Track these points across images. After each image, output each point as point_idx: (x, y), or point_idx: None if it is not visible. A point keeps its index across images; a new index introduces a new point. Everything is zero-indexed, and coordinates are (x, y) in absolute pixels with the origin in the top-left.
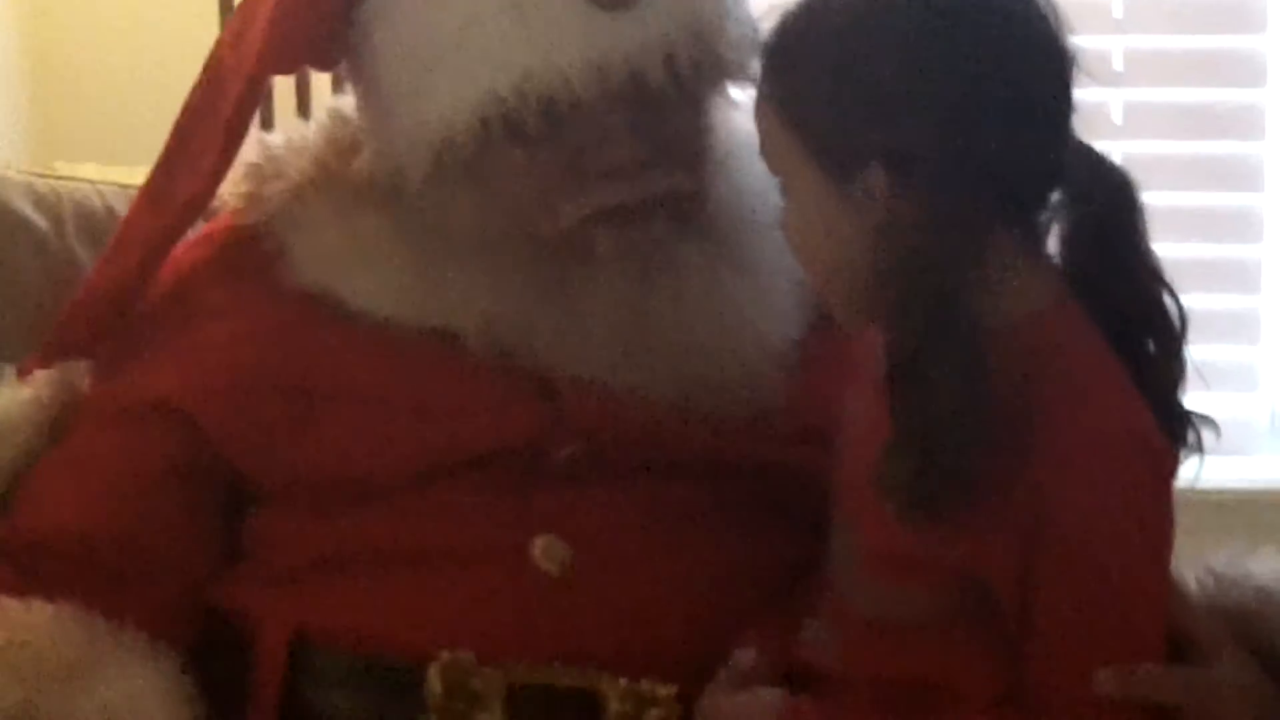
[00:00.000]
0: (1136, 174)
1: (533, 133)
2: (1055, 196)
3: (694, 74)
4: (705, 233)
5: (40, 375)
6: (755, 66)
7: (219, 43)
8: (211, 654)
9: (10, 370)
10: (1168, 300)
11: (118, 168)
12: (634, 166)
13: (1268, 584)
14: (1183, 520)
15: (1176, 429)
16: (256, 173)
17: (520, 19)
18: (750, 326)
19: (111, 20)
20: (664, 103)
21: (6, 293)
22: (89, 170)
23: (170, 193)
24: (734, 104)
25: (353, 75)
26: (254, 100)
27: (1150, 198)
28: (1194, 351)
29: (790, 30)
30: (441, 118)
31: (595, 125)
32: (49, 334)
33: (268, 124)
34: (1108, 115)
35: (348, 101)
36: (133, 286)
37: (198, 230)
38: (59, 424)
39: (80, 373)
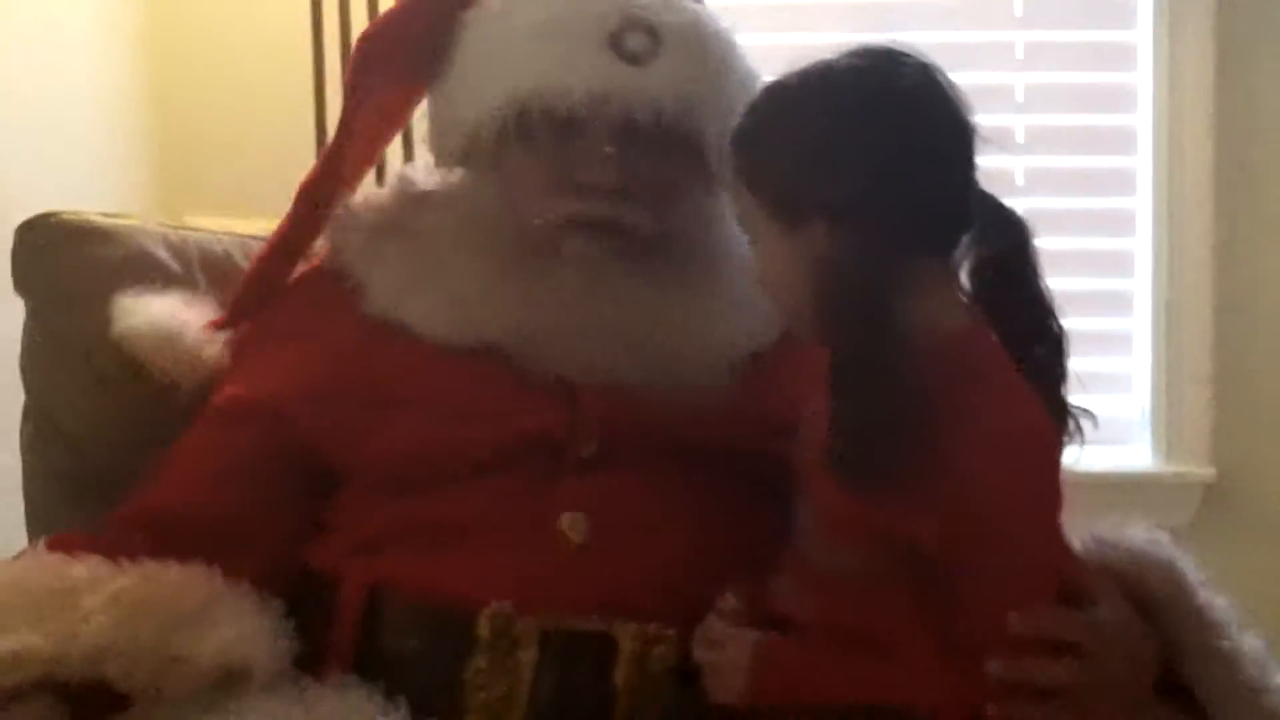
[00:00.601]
0: (1036, 224)
1: (539, 137)
2: (965, 238)
3: (676, 131)
4: (658, 267)
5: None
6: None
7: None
8: (303, 605)
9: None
10: (1053, 321)
11: (233, 219)
12: (611, 190)
13: (1139, 547)
14: (1074, 498)
15: (1062, 419)
16: (339, 224)
17: (550, 46)
18: (692, 341)
19: (228, 99)
20: (650, 149)
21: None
22: (210, 222)
23: (323, 192)
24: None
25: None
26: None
27: (1046, 242)
28: (1081, 363)
29: (749, 121)
30: (475, 111)
31: (591, 148)
32: (232, 299)
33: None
34: (1012, 178)
35: (412, 168)
36: (290, 256)
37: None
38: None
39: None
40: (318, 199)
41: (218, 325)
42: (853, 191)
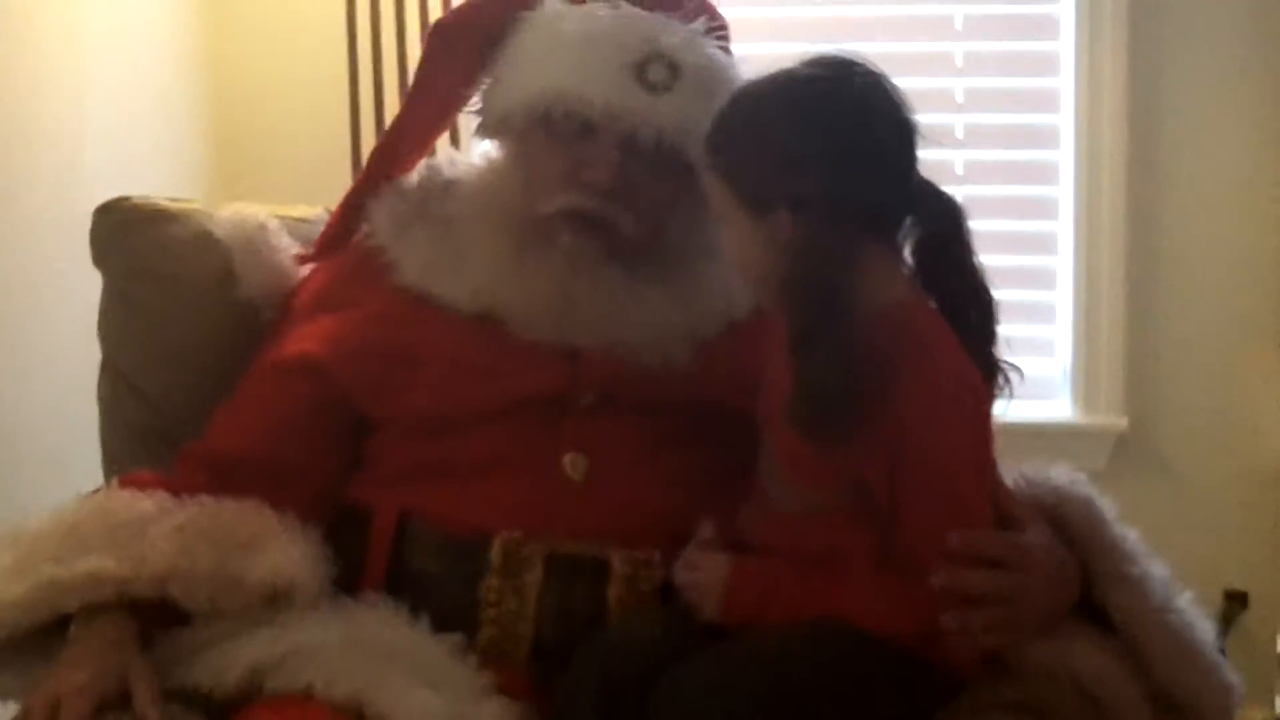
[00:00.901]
0: (973, 210)
1: (559, 130)
2: (908, 220)
3: (671, 163)
4: (638, 264)
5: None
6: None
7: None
8: (341, 534)
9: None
10: (984, 290)
11: (279, 205)
12: (605, 190)
13: (1061, 486)
14: (1005, 444)
15: (992, 375)
16: (376, 208)
17: (585, 59)
18: (666, 326)
19: (274, 100)
20: (646, 166)
21: (210, 303)
22: (264, 208)
23: (394, 156)
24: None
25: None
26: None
27: (982, 225)
28: (1011, 329)
29: (722, 120)
30: (513, 99)
31: (597, 152)
32: (317, 240)
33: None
34: (952, 169)
35: (438, 159)
36: (362, 209)
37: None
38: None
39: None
40: (385, 165)
41: (305, 259)
42: (812, 184)
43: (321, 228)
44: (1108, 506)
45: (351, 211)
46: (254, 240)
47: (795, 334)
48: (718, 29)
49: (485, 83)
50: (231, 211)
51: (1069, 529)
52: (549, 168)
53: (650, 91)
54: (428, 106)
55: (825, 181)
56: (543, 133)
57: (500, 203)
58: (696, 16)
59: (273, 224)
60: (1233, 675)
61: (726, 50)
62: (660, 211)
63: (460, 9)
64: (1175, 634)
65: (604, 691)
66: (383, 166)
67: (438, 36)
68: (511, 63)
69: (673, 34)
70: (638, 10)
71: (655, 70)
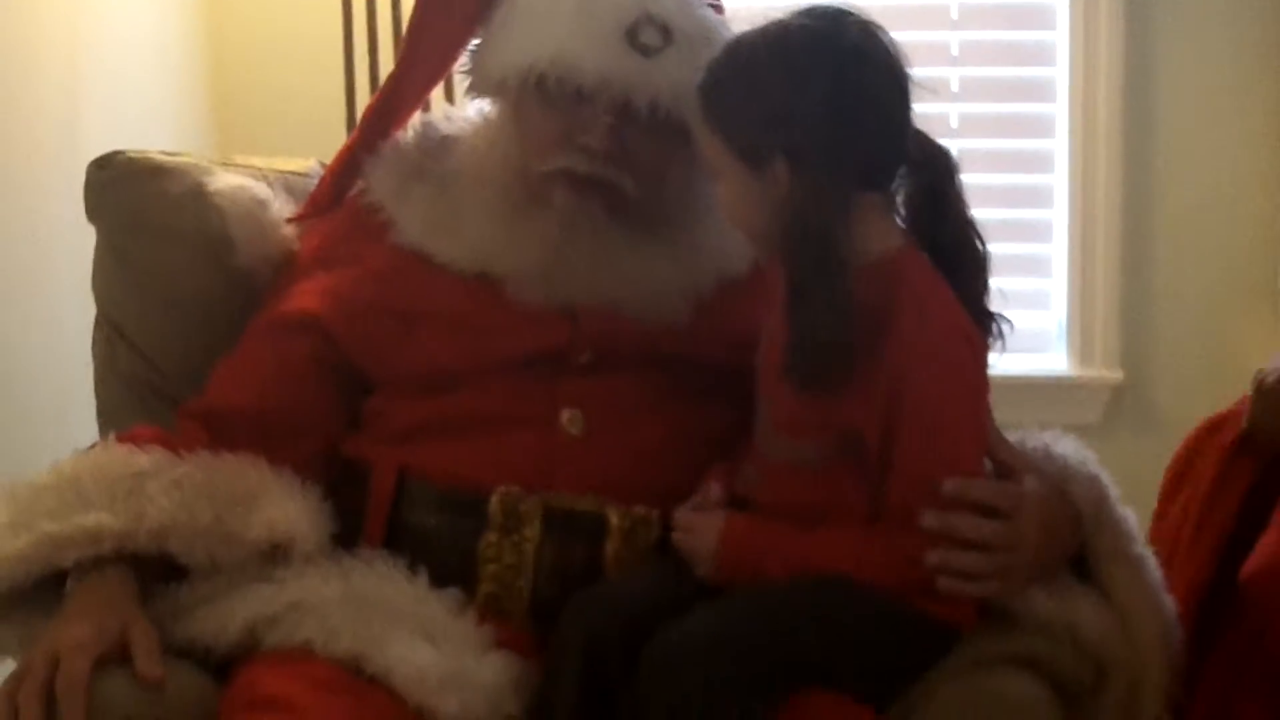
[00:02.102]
0: (968, 163)
1: (551, 97)
2: (901, 170)
3: (666, 126)
4: (637, 222)
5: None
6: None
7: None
8: (340, 490)
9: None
10: (977, 240)
11: (276, 158)
12: (601, 153)
13: (1069, 461)
14: (999, 398)
15: (985, 325)
16: (373, 165)
17: (577, 25)
18: (663, 285)
19: (270, 54)
20: (641, 129)
21: (204, 256)
22: (257, 161)
23: (388, 115)
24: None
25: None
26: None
27: (976, 178)
28: (1006, 282)
29: (716, 72)
30: (507, 63)
31: (591, 116)
32: (307, 200)
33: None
34: (947, 121)
35: (433, 115)
36: (356, 168)
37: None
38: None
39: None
40: (380, 121)
41: (296, 219)
42: (809, 135)
43: (315, 182)
44: (1112, 485)
45: (346, 169)
46: (253, 213)
47: (793, 285)
48: None
49: (477, 40)
50: (230, 182)
51: (1075, 504)
52: (543, 131)
53: (643, 55)
54: (422, 62)
55: (822, 132)
56: (537, 97)
57: (495, 161)
58: None
59: (269, 195)
60: (1177, 689)
61: (718, 9)
62: (658, 173)
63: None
64: (1164, 626)
65: (589, 648)
66: (377, 123)
67: (417, 30)
68: (505, 23)
69: None
70: None
71: (647, 33)
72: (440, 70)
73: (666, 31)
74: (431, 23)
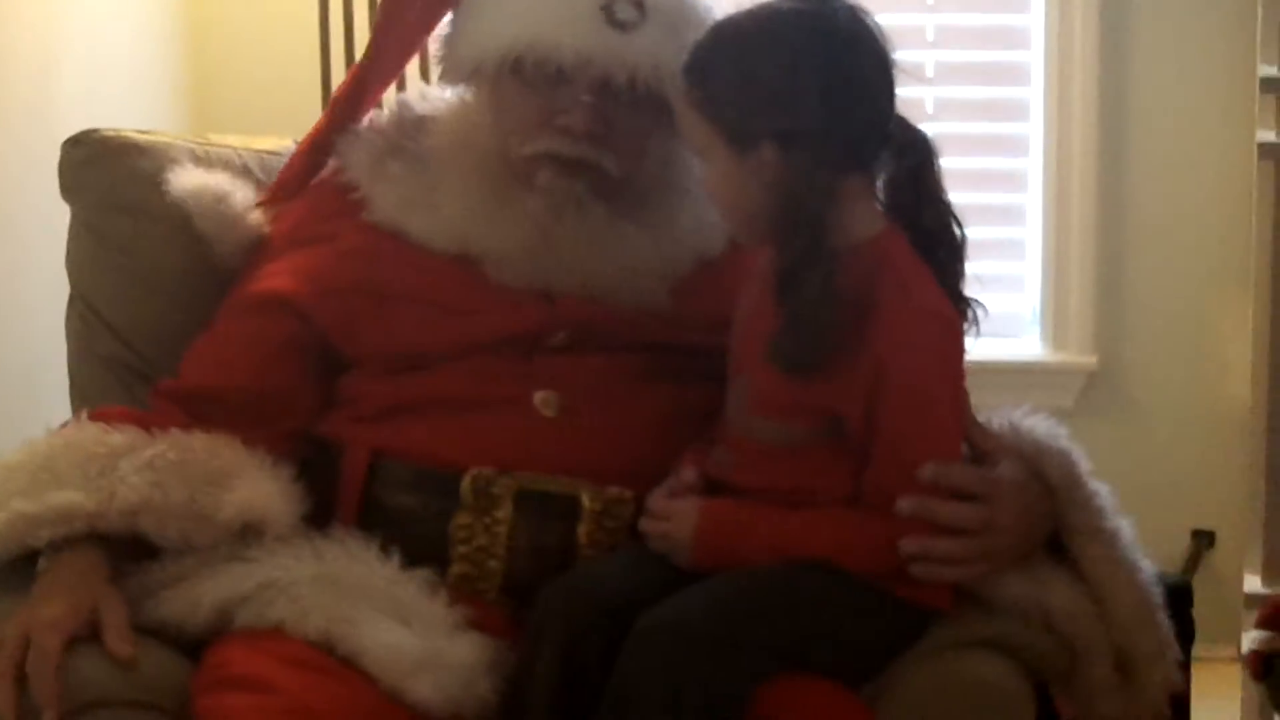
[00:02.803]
0: (945, 147)
1: (530, 79)
2: (883, 155)
3: (647, 100)
4: (619, 202)
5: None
6: (681, 70)
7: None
8: (313, 470)
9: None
10: (955, 224)
11: (250, 137)
12: (583, 134)
13: (1042, 438)
14: (974, 382)
15: (962, 308)
16: (347, 143)
17: (553, 2)
18: (643, 265)
19: (246, 33)
20: (622, 105)
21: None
22: (232, 140)
23: (356, 99)
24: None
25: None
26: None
27: (953, 162)
28: (981, 266)
29: (703, 55)
30: (482, 47)
31: (571, 96)
32: (273, 184)
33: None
34: (923, 105)
35: (409, 94)
36: (324, 150)
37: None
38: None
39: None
40: (348, 105)
41: (262, 204)
42: (800, 118)
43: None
44: (1084, 461)
45: (315, 151)
46: (216, 209)
47: (784, 270)
48: None
49: (448, 22)
50: (189, 182)
51: (1047, 480)
52: (523, 114)
53: (619, 30)
54: (392, 44)
55: (813, 116)
56: (515, 80)
57: (474, 143)
58: None
59: (230, 187)
60: (1174, 643)
61: None
62: (638, 148)
63: None
64: (1142, 594)
65: (568, 642)
66: (346, 107)
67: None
68: (477, 4)
69: None
70: None
71: (622, 9)
72: (409, 52)
73: (641, 6)
74: (402, 3)
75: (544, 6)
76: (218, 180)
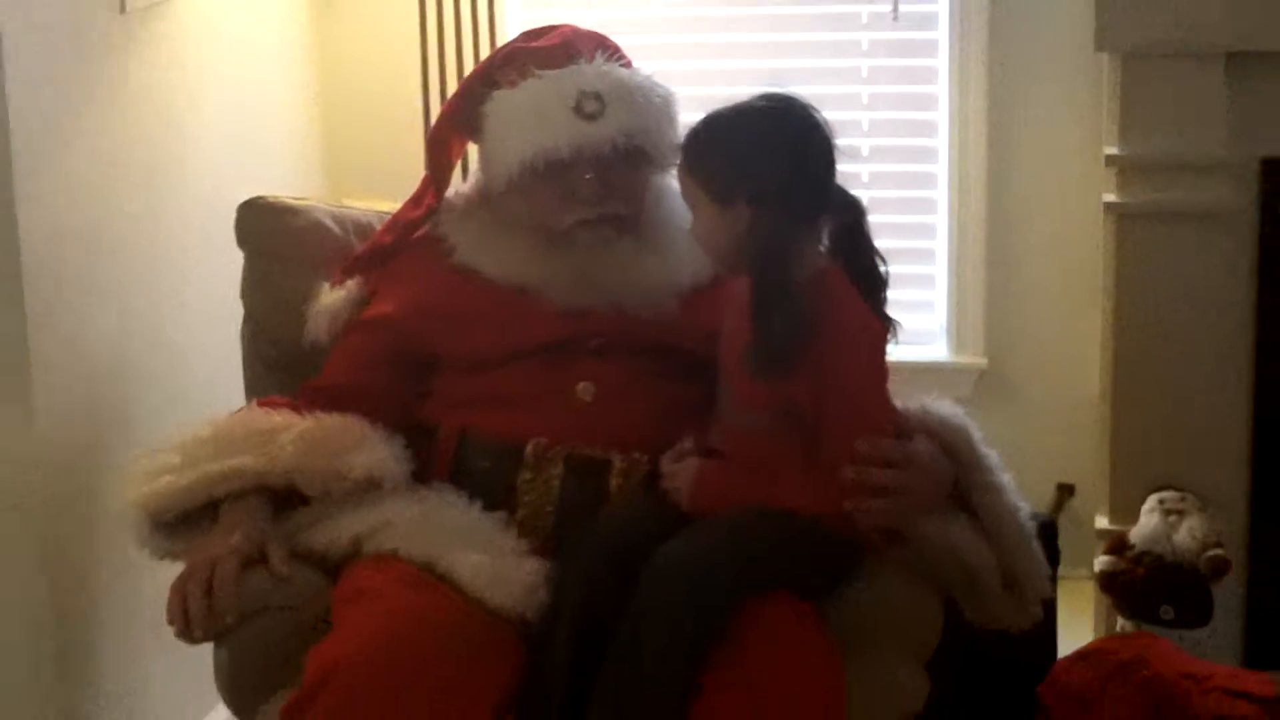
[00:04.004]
0: (874, 206)
1: (544, 176)
2: (826, 212)
3: (629, 156)
4: (635, 236)
5: (345, 284)
6: (676, 154)
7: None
8: (417, 442)
9: (326, 285)
10: (880, 264)
11: (373, 200)
12: (596, 199)
13: (946, 416)
14: (898, 378)
15: (886, 324)
16: (446, 209)
17: (541, 120)
18: (657, 281)
19: (368, 122)
20: (612, 166)
21: (321, 274)
22: (360, 202)
23: (419, 201)
24: (664, 176)
25: (479, 143)
26: (447, 159)
27: (880, 218)
28: (903, 294)
29: (698, 137)
30: (506, 164)
31: (578, 177)
32: (347, 264)
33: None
34: (859, 177)
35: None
36: (396, 242)
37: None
38: (352, 307)
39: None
40: (412, 202)
41: (342, 276)
42: (768, 184)
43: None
44: (977, 432)
45: (395, 234)
46: (338, 312)
47: (757, 298)
48: (614, 54)
49: (480, 153)
50: (327, 300)
51: (949, 448)
52: (548, 199)
53: (590, 120)
54: (443, 167)
55: (778, 183)
56: (533, 178)
57: (522, 216)
58: (597, 52)
59: (343, 301)
60: (1046, 565)
61: (627, 65)
62: (635, 189)
63: (450, 100)
64: (1021, 530)
65: (586, 566)
66: (411, 203)
67: (440, 120)
68: (494, 137)
69: (588, 75)
70: (558, 70)
71: (588, 104)
72: (451, 169)
73: (599, 98)
74: (441, 144)
75: (536, 126)
76: (338, 298)
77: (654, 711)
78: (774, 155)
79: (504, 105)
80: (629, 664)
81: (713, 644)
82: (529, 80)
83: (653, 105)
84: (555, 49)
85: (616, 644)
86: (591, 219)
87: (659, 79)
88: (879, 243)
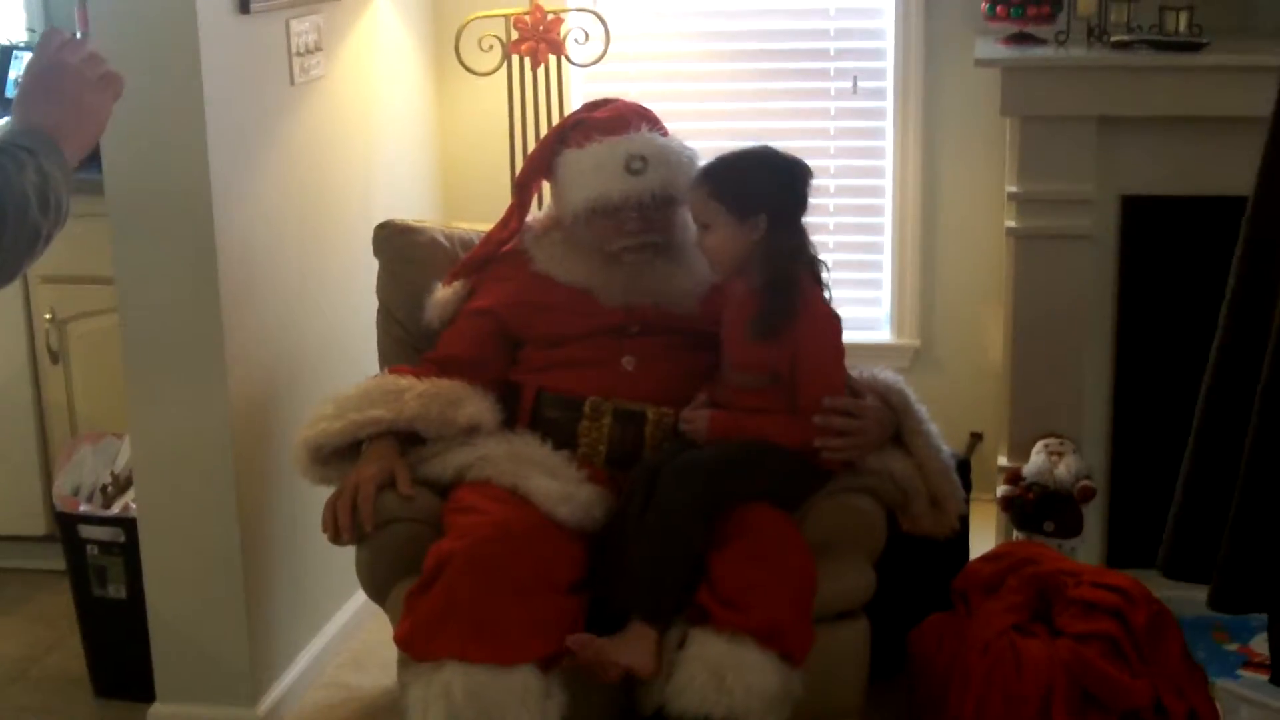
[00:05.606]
0: (836, 227)
1: (601, 214)
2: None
3: (663, 201)
4: (667, 256)
5: (454, 284)
6: (697, 179)
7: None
8: (507, 398)
9: (439, 284)
10: (823, 268)
11: (476, 223)
12: (638, 231)
13: (889, 382)
14: (852, 354)
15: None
16: (528, 230)
17: (600, 175)
18: (680, 286)
19: (473, 159)
20: (651, 208)
21: (436, 276)
22: (466, 225)
23: (506, 224)
24: (685, 211)
25: (553, 184)
26: (529, 195)
27: (839, 237)
28: (853, 292)
29: (717, 167)
30: (574, 203)
31: (626, 216)
32: (455, 269)
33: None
34: (828, 208)
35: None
36: (489, 254)
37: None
38: (458, 301)
39: (462, 284)
40: (500, 226)
41: (451, 278)
42: (776, 200)
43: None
44: (913, 394)
45: (488, 248)
46: (448, 306)
47: (766, 284)
48: (655, 124)
49: (553, 195)
50: (438, 297)
51: (891, 404)
52: (605, 230)
53: (637, 176)
54: (526, 197)
55: (783, 199)
56: (594, 215)
57: (585, 239)
58: (643, 124)
59: (449, 297)
60: (962, 490)
61: (665, 133)
62: (667, 225)
63: (533, 154)
64: (944, 464)
65: (645, 479)
66: (500, 226)
67: (520, 181)
68: (564, 183)
69: (635, 141)
70: (614, 137)
71: (635, 164)
72: (529, 204)
73: (644, 159)
74: (526, 187)
75: (597, 178)
76: (448, 294)
77: (675, 539)
78: (777, 178)
79: (573, 160)
80: (658, 513)
81: (719, 514)
82: (592, 144)
83: (682, 163)
84: (613, 120)
85: (652, 504)
86: (634, 245)
87: (686, 141)
88: (839, 255)
